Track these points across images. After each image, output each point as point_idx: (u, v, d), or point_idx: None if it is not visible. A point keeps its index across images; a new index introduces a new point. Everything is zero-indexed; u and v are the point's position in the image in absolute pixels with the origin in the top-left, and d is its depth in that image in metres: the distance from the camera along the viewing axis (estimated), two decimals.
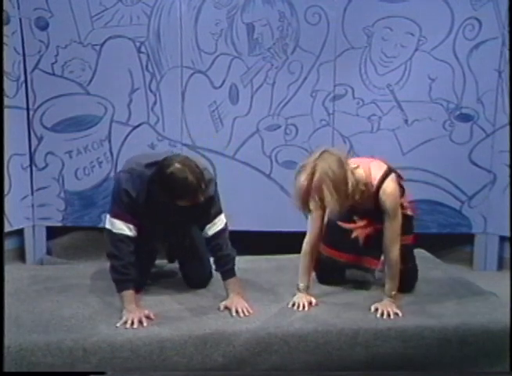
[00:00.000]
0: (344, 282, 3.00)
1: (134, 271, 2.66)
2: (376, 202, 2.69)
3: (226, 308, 2.68)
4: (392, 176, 2.70)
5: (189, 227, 2.92)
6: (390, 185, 2.67)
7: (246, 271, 2.91)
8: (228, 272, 2.77)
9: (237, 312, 2.65)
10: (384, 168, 2.72)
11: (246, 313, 2.65)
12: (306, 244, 2.83)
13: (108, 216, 2.71)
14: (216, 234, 2.77)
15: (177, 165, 2.52)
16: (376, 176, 2.68)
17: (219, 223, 2.78)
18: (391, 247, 2.69)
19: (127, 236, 2.66)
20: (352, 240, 2.87)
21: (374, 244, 2.80)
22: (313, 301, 2.78)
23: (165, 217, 2.75)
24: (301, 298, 2.77)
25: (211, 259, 2.91)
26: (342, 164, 2.53)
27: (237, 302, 2.69)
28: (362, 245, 2.87)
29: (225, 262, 2.77)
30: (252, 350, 2.49)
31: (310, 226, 2.83)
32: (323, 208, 2.72)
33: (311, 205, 2.59)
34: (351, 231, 2.87)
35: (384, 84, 4.08)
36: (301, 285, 2.81)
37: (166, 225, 2.83)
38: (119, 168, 4.12)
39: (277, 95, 4.12)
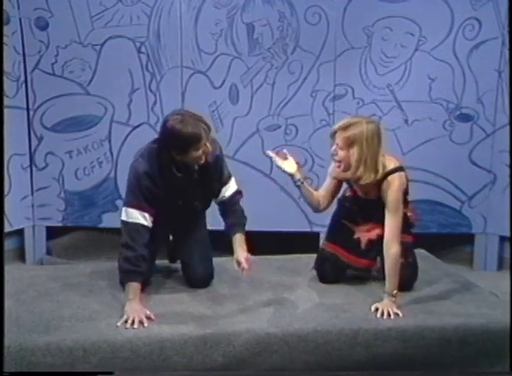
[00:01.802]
0: (345, 281, 3.00)
1: (144, 265, 2.66)
2: (378, 192, 2.76)
3: (238, 262, 2.70)
4: (402, 174, 2.77)
5: (199, 217, 2.96)
6: (396, 179, 2.74)
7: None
8: (237, 226, 2.83)
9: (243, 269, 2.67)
10: (397, 163, 2.79)
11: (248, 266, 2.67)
12: (316, 192, 2.98)
13: (124, 208, 2.71)
14: (233, 194, 2.87)
15: (174, 117, 2.58)
16: (388, 167, 2.75)
17: (233, 185, 2.89)
18: (391, 243, 2.71)
19: (142, 225, 2.66)
20: (354, 241, 2.93)
21: (374, 248, 2.87)
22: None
23: (182, 192, 2.75)
24: None
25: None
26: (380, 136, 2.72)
27: (245, 256, 2.71)
28: (364, 248, 2.92)
29: (237, 217, 2.85)
30: (252, 350, 2.49)
31: (324, 185, 2.99)
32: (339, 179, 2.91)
33: (332, 172, 2.88)
34: (353, 231, 2.94)
35: (384, 84, 4.09)
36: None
37: (180, 210, 2.82)
38: (119, 168, 4.16)
39: (277, 96, 4.12)
